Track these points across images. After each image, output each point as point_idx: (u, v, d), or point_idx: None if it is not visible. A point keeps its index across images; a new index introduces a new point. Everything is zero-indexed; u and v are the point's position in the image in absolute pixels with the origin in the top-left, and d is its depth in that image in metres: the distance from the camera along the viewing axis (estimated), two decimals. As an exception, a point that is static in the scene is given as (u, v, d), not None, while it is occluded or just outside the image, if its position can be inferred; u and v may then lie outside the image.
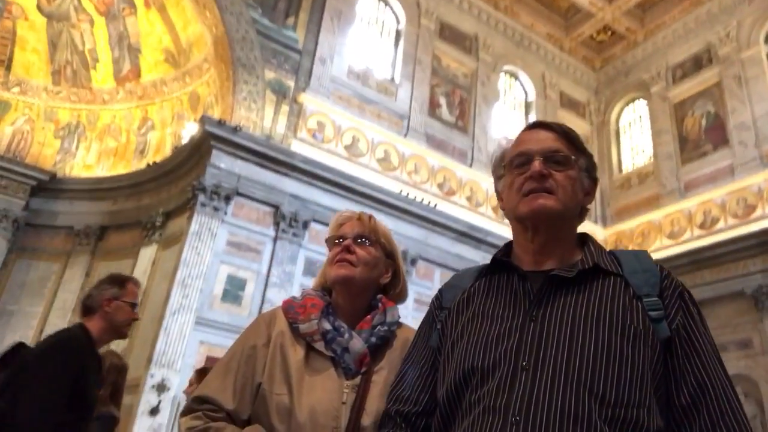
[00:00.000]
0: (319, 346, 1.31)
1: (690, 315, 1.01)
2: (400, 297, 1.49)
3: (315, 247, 15.96)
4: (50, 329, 17.92)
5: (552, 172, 1.12)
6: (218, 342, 13.90)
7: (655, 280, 1.03)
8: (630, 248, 16.86)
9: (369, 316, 1.37)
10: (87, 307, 2.96)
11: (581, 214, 1.17)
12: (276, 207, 15.65)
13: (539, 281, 1.06)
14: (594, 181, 1.21)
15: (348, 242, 1.38)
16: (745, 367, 16.46)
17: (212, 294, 14.20)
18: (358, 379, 1.28)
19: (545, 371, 0.93)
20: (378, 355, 1.30)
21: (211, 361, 13.73)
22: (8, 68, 19.49)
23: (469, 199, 19.37)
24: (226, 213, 15.07)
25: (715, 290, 17.47)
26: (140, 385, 13.25)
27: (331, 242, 1.44)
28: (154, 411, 12.74)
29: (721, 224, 18.29)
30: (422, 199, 17.62)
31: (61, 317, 18.03)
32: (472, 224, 18.51)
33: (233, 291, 14.54)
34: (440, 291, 1.22)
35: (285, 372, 1.27)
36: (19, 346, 2.61)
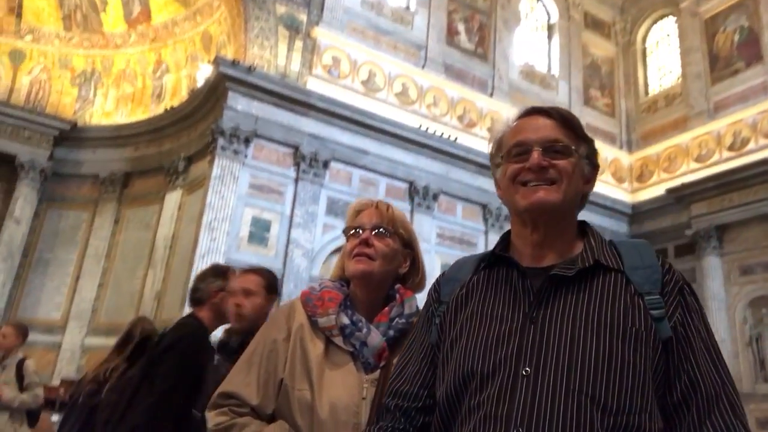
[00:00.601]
0: (338, 341, 1.31)
1: (688, 312, 0.99)
2: (419, 286, 1.45)
3: (336, 186, 16.02)
4: (85, 276, 18.60)
5: (551, 162, 1.08)
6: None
7: (657, 277, 1.01)
8: (656, 174, 16.59)
9: (387, 309, 1.35)
10: (196, 300, 3.23)
11: (582, 202, 1.12)
12: (295, 148, 15.60)
13: (539, 278, 1.02)
14: (595, 167, 1.14)
15: (366, 235, 1.35)
16: (771, 288, 16.45)
17: (239, 236, 14.46)
18: (377, 374, 1.26)
19: (546, 379, 0.91)
20: (397, 348, 1.30)
21: (242, 300, 14.18)
22: (19, 15, 19.26)
23: (490, 130, 19.02)
24: (246, 156, 15.09)
25: (743, 213, 17.20)
26: (176, 326, 13.79)
27: (348, 232, 1.37)
28: (191, 349, 13.32)
29: (751, 145, 17.74)
30: (442, 133, 17.35)
31: (95, 263, 18.65)
32: (494, 156, 18.29)
33: (259, 233, 14.78)
34: (438, 283, 1.18)
35: (305, 367, 1.27)
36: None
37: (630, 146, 21.84)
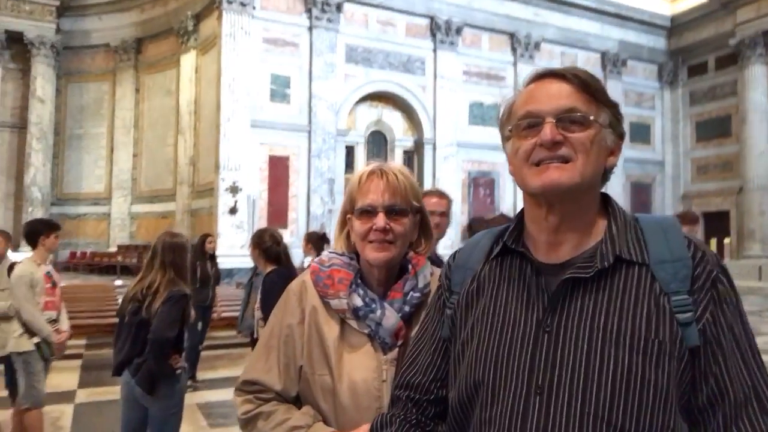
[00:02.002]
0: (353, 323, 1.23)
1: (719, 305, 0.86)
2: (429, 248, 1.34)
3: (353, 31, 15.18)
4: (119, 147, 18.94)
5: (567, 135, 0.89)
6: (277, 141, 14.35)
7: (687, 273, 0.87)
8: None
9: (400, 284, 1.25)
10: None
11: (604, 177, 0.94)
12: (304, -9, 14.62)
13: (554, 275, 0.90)
14: (620, 136, 0.95)
15: (382, 221, 1.22)
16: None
17: (260, 95, 14.21)
18: (396, 352, 1.22)
19: (559, 399, 0.84)
20: (414, 321, 1.22)
21: (273, 161, 14.38)
22: None
23: (514, -53, 17.23)
24: (254, 7, 14.26)
25: (797, 15, 15.77)
26: (214, 189, 14.27)
27: (358, 212, 1.24)
28: (232, 210, 13.89)
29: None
30: (461, -43, 15.85)
31: (125, 134, 18.89)
32: (520, -23, 16.78)
33: (279, 90, 14.47)
34: (449, 268, 1.06)
35: (323, 351, 1.23)
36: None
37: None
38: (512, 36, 17.13)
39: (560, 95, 0.90)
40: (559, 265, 0.92)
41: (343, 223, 1.32)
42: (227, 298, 8.69)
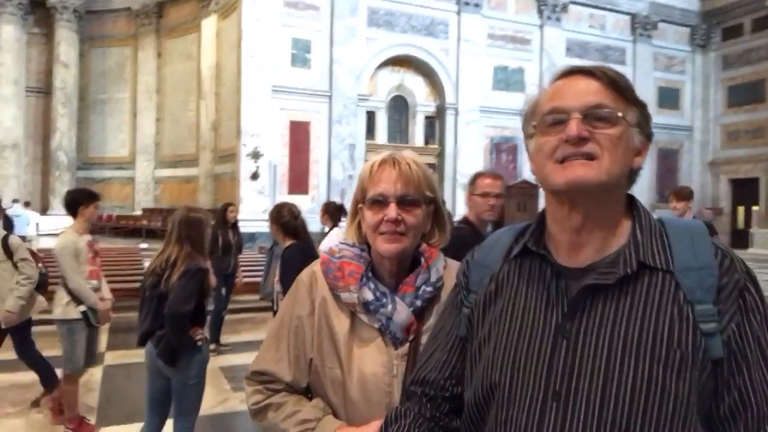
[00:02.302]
0: (363, 317, 1.20)
1: (746, 314, 0.83)
2: (443, 240, 1.29)
3: (377, -7, 14.89)
4: (142, 112, 19.07)
5: (593, 132, 0.85)
6: (297, 107, 14.28)
7: (713, 282, 0.83)
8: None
9: (411, 277, 1.21)
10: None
11: (630, 178, 0.90)
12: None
13: (575, 280, 0.88)
14: (648, 137, 0.90)
15: (394, 212, 1.18)
16: None
17: (281, 60, 14.09)
18: (406, 347, 1.19)
19: (577, 407, 0.83)
20: (425, 315, 1.20)
21: (294, 126, 14.35)
22: None
23: None
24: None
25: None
26: (236, 155, 14.33)
27: (369, 202, 1.21)
28: (254, 176, 13.97)
29: None
30: None
31: (148, 99, 18.98)
32: (547, -64, 16.16)
33: (300, 54, 14.32)
34: (467, 266, 1.05)
35: (333, 345, 1.21)
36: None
37: None
38: (539, -3, 16.63)
39: (588, 91, 0.87)
40: (581, 269, 0.90)
41: (354, 212, 1.28)
42: (250, 263, 8.84)
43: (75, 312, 3.69)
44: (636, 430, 0.80)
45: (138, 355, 5.09)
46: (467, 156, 15.65)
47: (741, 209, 17.50)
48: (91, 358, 4.00)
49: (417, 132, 15.97)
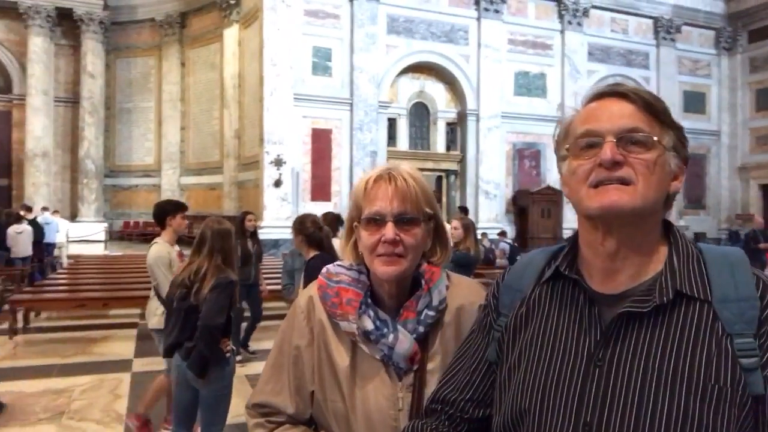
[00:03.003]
0: (364, 347, 1.13)
1: None
2: (445, 258, 1.20)
3: (395, 1, 14.92)
4: (167, 120, 19.38)
5: (628, 156, 0.83)
6: (319, 114, 14.38)
7: (754, 314, 0.80)
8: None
9: (412, 302, 1.13)
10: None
11: (667, 202, 0.88)
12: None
13: (608, 306, 0.86)
14: (685, 160, 0.88)
15: (392, 232, 1.10)
16: None
17: (302, 69, 14.22)
18: (411, 377, 1.11)
19: None
20: (430, 341, 1.13)
21: (316, 134, 14.45)
22: None
23: None
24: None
25: None
26: (259, 162, 14.47)
27: (364, 221, 1.13)
28: (277, 183, 14.09)
29: None
30: None
31: (172, 108, 19.29)
32: (568, -60, 16.06)
33: (321, 62, 14.43)
34: (498, 288, 1.03)
35: (334, 377, 1.14)
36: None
37: None
38: (560, 2, 16.52)
39: (622, 114, 0.85)
40: (615, 295, 0.87)
41: (351, 231, 1.19)
42: (273, 270, 8.87)
43: (158, 321, 3.70)
44: None
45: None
46: (490, 162, 15.58)
47: (770, 215, 17.09)
48: None
49: (438, 138, 15.96)
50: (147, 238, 17.56)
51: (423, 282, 1.14)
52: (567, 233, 15.92)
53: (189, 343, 2.74)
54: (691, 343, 0.81)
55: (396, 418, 1.11)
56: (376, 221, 1.11)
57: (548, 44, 16.58)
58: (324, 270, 1.22)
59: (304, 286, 3.38)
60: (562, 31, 16.64)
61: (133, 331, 6.88)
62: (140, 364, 5.57)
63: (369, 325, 1.11)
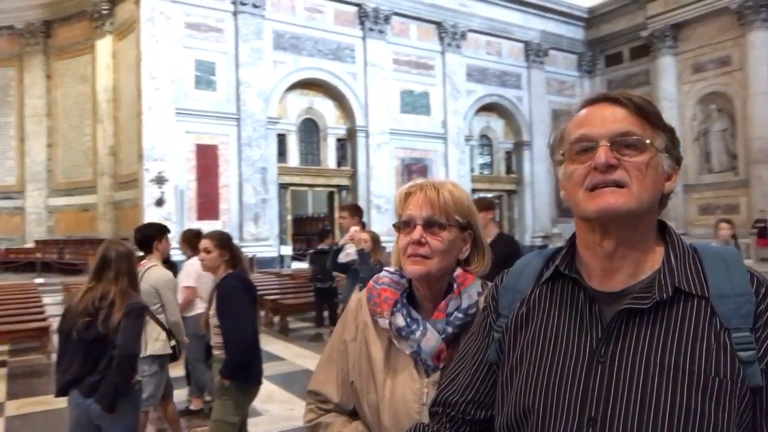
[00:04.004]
0: (397, 343, 1.23)
1: None
2: (482, 267, 1.30)
3: (280, 17, 14.85)
4: (30, 137, 17.71)
5: (622, 159, 0.87)
6: (204, 130, 13.86)
7: (749, 309, 0.84)
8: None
9: (443, 303, 1.23)
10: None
11: (662, 203, 0.92)
12: (228, -25, 14.13)
13: (608, 304, 0.90)
14: (677, 161, 0.93)
15: (418, 234, 1.21)
16: (722, 84, 16.81)
17: (184, 82, 13.66)
18: (437, 376, 1.20)
19: (615, 430, 0.83)
20: (457, 344, 1.19)
21: (201, 150, 13.90)
22: None
23: (440, -64, 17.38)
24: (175, -10, 13.65)
25: (699, 9, 16.86)
26: (139, 180, 13.63)
27: (400, 226, 1.24)
28: (159, 202, 13.34)
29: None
30: (389, -56, 15.82)
31: (37, 124, 17.63)
32: (446, -33, 16.95)
33: (205, 76, 13.96)
34: (496, 290, 1.06)
35: (371, 369, 1.26)
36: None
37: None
38: (439, 25, 17.34)
39: (614, 119, 0.89)
40: (614, 293, 0.90)
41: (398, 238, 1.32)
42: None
43: (168, 347, 3.69)
44: None
45: (43, 403, 4.67)
46: (380, 177, 15.88)
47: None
48: (170, 389, 4.10)
49: (329, 154, 16.01)
50: (10, 266, 15.87)
51: (455, 285, 1.24)
52: (454, 244, 16.60)
53: (92, 377, 2.48)
54: (691, 338, 0.84)
55: (420, 412, 1.19)
56: (408, 224, 1.23)
57: (430, 65, 17.30)
58: (375, 276, 1.34)
59: (220, 307, 3.21)
60: (442, 53, 17.45)
61: (2, 371, 6.14)
62: (15, 407, 4.93)
63: (401, 321, 1.22)
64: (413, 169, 16.76)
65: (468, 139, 17.96)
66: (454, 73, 17.48)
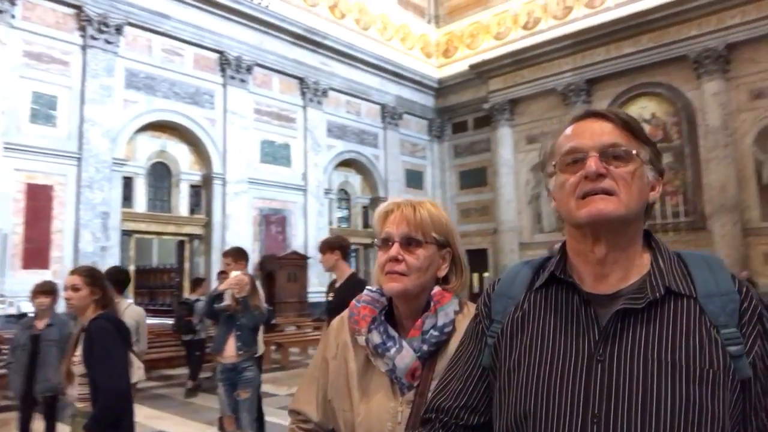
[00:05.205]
0: (374, 360, 1.24)
1: (767, 341, 0.90)
2: (460, 285, 1.31)
3: (135, 56, 14.14)
4: None
5: (610, 170, 0.94)
6: (37, 168, 12.45)
7: (734, 306, 0.91)
8: (460, 49, 17.47)
9: (420, 321, 1.23)
10: None
11: (647, 212, 0.98)
12: (78, 8, 13.24)
13: (603, 306, 0.94)
14: (660, 173, 1.00)
15: (395, 251, 1.22)
16: (549, 154, 19.02)
17: (18, 115, 12.29)
18: (412, 394, 1.19)
19: (618, 427, 0.85)
20: (433, 363, 1.21)
21: (32, 190, 12.44)
22: None
23: (304, -2, 18.04)
24: (13, 16, 12.44)
25: (532, 88, 19.18)
26: (-52, 222, 11.75)
27: (377, 243, 1.29)
28: (-27, 248, 11.57)
29: (542, 25, 19.41)
30: (253, -2, 16.04)
31: None
32: (309, 26, 17.53)
33: (43, 110, 12.69)
34: (488, 297, 1.07)
35: (347, 387, 1.26)
36: None
37: (437, 21, 22.52)
38: (302, 81, 17.71)
39: (603, 132, 0.96)
40: (607, 296, 0.94)
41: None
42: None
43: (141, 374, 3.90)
44: None
45: None
46: (237, 227, 15.34)
47: (476, 275, 20.26)
48: None
49: (182, 201, 15.19)
50: None
51: (432, 303, 1.25)
52: (312, 296, 16.41)
53: None
54: (684, 334, 0.89)
55: (393, 430, 1.18)
56: (386, 243, 1.26)
57: (292, 117, 17.48)
58: (362, 294, 1.35)
59: (88, 353, 2.75)
60: (304, 107, 17.76)
61: None
62: None
63: (377, 339, 1.22)
64: (271, 219, 16.49)
65: (327, 192, 18.20)
66: (315, 128, 17.81)
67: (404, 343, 1.21)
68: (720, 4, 15.27)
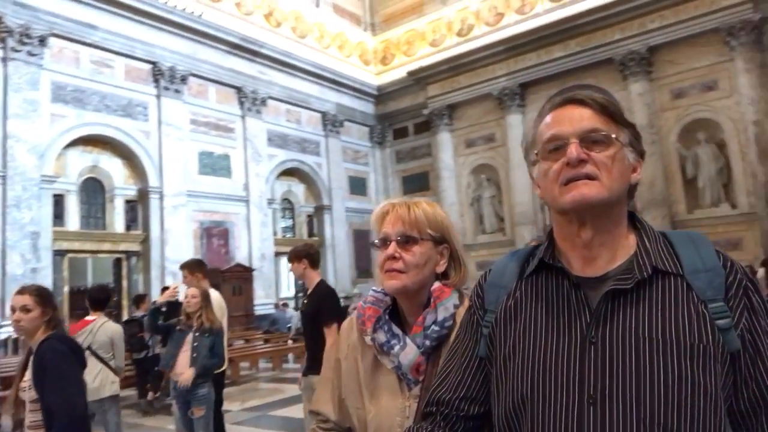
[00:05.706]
0: (380, 359, 1.28)
1: (755, 314, 0.92)
2: (460, 280, 1.33)
3: (62, 68, 13.53)
4: None
5: (591, 155, 0.96)
6: (-45, 188, 11.74)
7: (720, 281, 0.92)
8: (397, 56, 17.70)
9: (421, 317, 1.27)
10: None
11: (630, 193, 1.00)
12: (-3, 18, 12.60)
13: (592, 288, 0.95)
14: (641, 154, 1.02)
15: (392, 249, 1.27)
16: (489, 157, 19.49)
17: (-69, 132, 11.55)
18: (418, 389, 1.22)
19: (614, 406, 0.87)
20: (436, 357, 1.23)
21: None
22: None
23: (238, 5, 17.81)
24: (-75, 27, 11.70)
25: (469, 94, 19.60)
26: None
27: (375, 244, 1.33)
28: None
29: (475, 31, 19.90)
30: (185, 8, 15.69)
31: None
32: (245, 35, 17.31)
33: (-39, 127, 11.99)
34: (480, 288, 1.09)
35: (358, 386, 1.31)
36: None
37: (374, 29, 22.71)
38: (239, 90, 17.44)
39: (582, 118, 0.97)
40: (597, 278, 0.96)
41: None
42: None
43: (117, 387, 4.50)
44: (674, 425, 0.85)
45: None
46: (176, 241, 14.88)
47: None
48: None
49: (117, 217, 14.61)
50: None
51: (432, 299, 1.28)
52: (258, 309, 16.13)
53: None
54: (672, 311, 0.91)
55: (402, 425, 1.23)
56: (384, 243, 1.30)
57: (231, 127, 17.18)
58: (367, 294, 1.39)
59: (38, 376, 2.59)
60: (243, 117, 17.49)
61: None
62: None
63: (382, 337, 1.27)
64: (213, 232, 16.11)
65: (270, 202, 17.95)
66: (255, 137, 17.56)
67: (407, 340, 1.25)
68: (641, 9, 16.10)
